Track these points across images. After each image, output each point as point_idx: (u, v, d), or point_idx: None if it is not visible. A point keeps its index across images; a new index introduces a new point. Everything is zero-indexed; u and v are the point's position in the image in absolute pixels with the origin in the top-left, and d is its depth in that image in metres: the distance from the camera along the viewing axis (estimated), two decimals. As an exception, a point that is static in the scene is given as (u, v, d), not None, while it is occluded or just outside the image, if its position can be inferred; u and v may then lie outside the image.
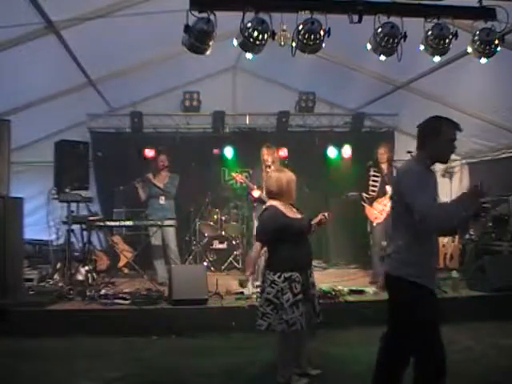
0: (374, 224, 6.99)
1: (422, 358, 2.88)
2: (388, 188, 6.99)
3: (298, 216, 4.03)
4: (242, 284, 5.99)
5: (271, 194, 4.05)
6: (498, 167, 8.49)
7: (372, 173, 7.10)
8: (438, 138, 2.98)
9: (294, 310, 3.70)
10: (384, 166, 7.10)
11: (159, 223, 6.81)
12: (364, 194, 7.09)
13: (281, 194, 3.99)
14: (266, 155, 6.59)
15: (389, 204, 6.88)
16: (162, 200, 7.23)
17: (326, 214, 4.26)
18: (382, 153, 7.11)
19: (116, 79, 7.51)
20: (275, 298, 3.74)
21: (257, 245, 3.86)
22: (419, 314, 2.89)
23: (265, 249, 4.54)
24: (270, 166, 6.47)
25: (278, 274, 3.77)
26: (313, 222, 4.19)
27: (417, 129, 3.12)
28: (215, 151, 9.12)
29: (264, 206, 4.09)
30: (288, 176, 4.03)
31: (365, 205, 7.06)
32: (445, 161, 3.19)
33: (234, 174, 7.00)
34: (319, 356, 4.65)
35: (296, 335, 3.84)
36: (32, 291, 6.08)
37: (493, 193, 8.12)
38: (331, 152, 9.42)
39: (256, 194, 6.54)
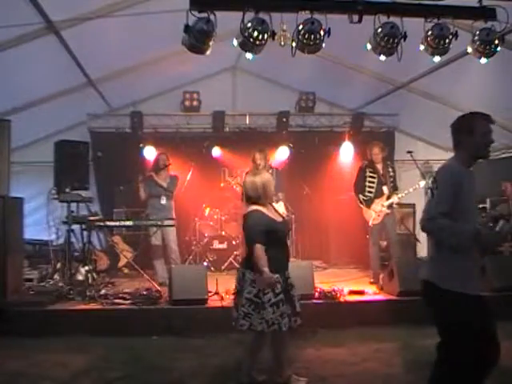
0: (371, 224, 6.97)
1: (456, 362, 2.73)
2: (385, 188, 6.97)
3: (280, 219, 3.98)
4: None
5: (249, 199, 3.90)
6: (498, 167, 8.49)
7: (368, 173, 7.03)
8: (472, 134, 2.92)
9: (275, 309, 3.65)
10: (379, 166, 7.04)
11: (159, 223, 6.80)
12: (361, 196, 7.05)
13: (258, 198, 3.86)
14: (259, 160, 6.65)
15: (386, 204, 6.92)
16: (164, 200, 7.24)
17: None
18: (377, 153, 7.04)
19: (116, 79, 7.52)
20: (256, 297, 3.68)
21: (258, 248, 3.70)
22: (456, 322, 2.79)
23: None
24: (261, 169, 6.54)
25: (259, 273, 3.68)
26: None
27: (450, 129, 3.03)
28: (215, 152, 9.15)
29: (247, 211, 3.89)
30: (263, 178, 3.89)
31: (362, 207, 7.03)
32: (485, 156, 3.07)
33: (229, 179, 6.88)
34: (319, 356, 4.66)
35: (275, 336, 3.82)
36: (32, 291, 6.08)
37: (493, 193, 8.15)
38: (331, 152, 9.43)
39: None
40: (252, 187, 3.86)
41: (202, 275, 5.83)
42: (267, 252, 3.71)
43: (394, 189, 7.02)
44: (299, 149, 9.21)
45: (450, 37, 4.53)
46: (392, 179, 7.05)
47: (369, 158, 7.15)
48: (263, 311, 3.65)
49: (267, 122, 9.35)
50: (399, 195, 6.98)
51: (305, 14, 4.35)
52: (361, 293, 6.13)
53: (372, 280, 6.93)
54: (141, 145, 8.77)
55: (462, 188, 2.81)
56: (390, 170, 7.08)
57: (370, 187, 7.00)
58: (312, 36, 4.38)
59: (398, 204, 7.29)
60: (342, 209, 8.76)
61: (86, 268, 6.48)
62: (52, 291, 5.99)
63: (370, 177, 7.02)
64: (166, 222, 6.78)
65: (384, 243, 7.62)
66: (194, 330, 5.28)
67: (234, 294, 3.97)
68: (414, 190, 7.02)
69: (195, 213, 8.71)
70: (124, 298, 5.77)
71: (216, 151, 9.16)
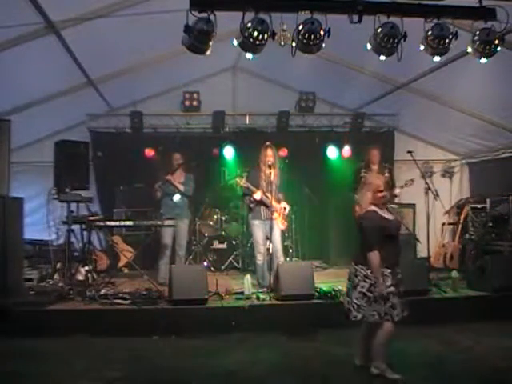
0: None
1: None
2: None
3: (391, 217, 4.25)
4: None
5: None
6: (498, 167, 8.50)
7: (363, 174, 7.11)
8: None
9: (386, 301, 3.98)
10: (374, 168, 7.16)
11: (159, 223, 6.80)
12: (356, 196, 7.07)
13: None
14: (271, 156, 6.54)
15: None
16: (176, 198, 7.26)
17: None
18: (376, 154, 7.22)
19: (116, 79, 7.51)
20: (368, 291, 4.00)
21: (373, 255, 4.01)
22: None
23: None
24: (270, 167, 6.46)
25: (370, 270, 4.03)
26: None
27: None
28: (215, 152, 9.13)
29: (364, 211, 4.23)
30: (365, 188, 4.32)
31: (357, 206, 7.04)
32: None
33: (237, 180, 6.82)
34: (319, 356, 4.66)
35: (374, 328, 4.07)
36: (32, 291, 6.08)
37: (493, 193, 8.16)
38: (331, 152, 9.42)
39: (258, 196, 6.50)
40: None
41: (202, 275, 5.83)
42: (381, 250, 4.00)
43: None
44: (299, 149, 9.19)
45: (450, 37, 4.52)
46: (386, 180, 7.13)
47: (366, 159, 7.30)
48: (374, 304, 3.99)
49: (267, 121, 9.35)
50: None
51: (305, 14, 4.34)
52: (361, 293, 6.12)
53: None
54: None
55: None
56: (386, 171, 7.17)
57: None
58: (312, 36, 4.37)
59: (396, 204, 7.35)
60: (342, 209, 8.75)
61: (86, 268, 6.49)
62: (52, 291, 5.98)
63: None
64: (166, 222, 6.77)
65: None
66: (194, 329, 5.28)
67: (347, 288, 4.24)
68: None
69: (195, 213, 8.71)
70: (124, 298, 5.77)
71: (215, 151, 9.14)
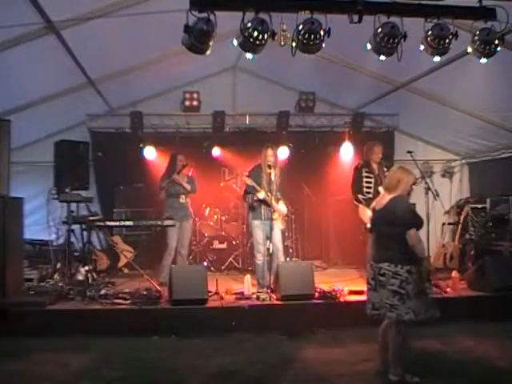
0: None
1: None
2: (380, 189, 6.93)
3: None
4: None
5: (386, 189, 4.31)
6: (498, 167, 8.50)
7: (364, 173, 6.98)
8: None
9: (418, 299, 3.90)
10: (375, 166, 7.02)
11: (159, 223, 6.80)
12: (360, 196, 7.00)
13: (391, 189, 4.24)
14: (271, 156, 6.55)
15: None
16: (183, 199, 7.30)
17: None
18: (378, 152, 7.04)
19: (116, 79, 7.51)
20: (400, 288, 3.89)
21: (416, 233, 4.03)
22: None
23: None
24: (271, 167, 6.46)
25: (400, 265, 3.93)
26: None
27: None
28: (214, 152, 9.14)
29: (392, 197, 4.14)
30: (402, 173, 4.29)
31: (360, 205, 6.94)
32: None
33: (244, 179, 6.79)
34: (319, 356, 4.66)
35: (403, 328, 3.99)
36: (32, 291, 6.08)
37: (493, 193, 8.15)
38: (331, 152, 9.42)
39: (261, 195, 6.50)
40: (389, 179, 4.29)
41: (202, 275, 5.84)
42: (405, 244, 3.96)
43: None
44: (299, 149, 9.21)
45: (450, 37, 4.52)
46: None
47: (366, 157, 7.12)
48: (408, 301, 3.88)
49: (267, 122, 9.35)
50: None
51: (305, 14, 4.35)
52: (361, 293, 6.10)
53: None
54: (141, 144, 8.76)
55: None
56: (385, 169, 7.04)
57: (367, 187, 6.94)
58: (312, 36, 4.37)
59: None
60: (342, 209, 8.75)
61: (86, 268, 6.48)
62: (52, 291, 5.98)
63: (367, 177, 6.97)
64: (166, 222, 6.78)
65: None
66: (194, 330, 5.28)
67: (368, 290, 4.19)
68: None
69: (195, 213, 8.71)
70: (124, 298, 5.77)
71: (216, 151, 9.16)
